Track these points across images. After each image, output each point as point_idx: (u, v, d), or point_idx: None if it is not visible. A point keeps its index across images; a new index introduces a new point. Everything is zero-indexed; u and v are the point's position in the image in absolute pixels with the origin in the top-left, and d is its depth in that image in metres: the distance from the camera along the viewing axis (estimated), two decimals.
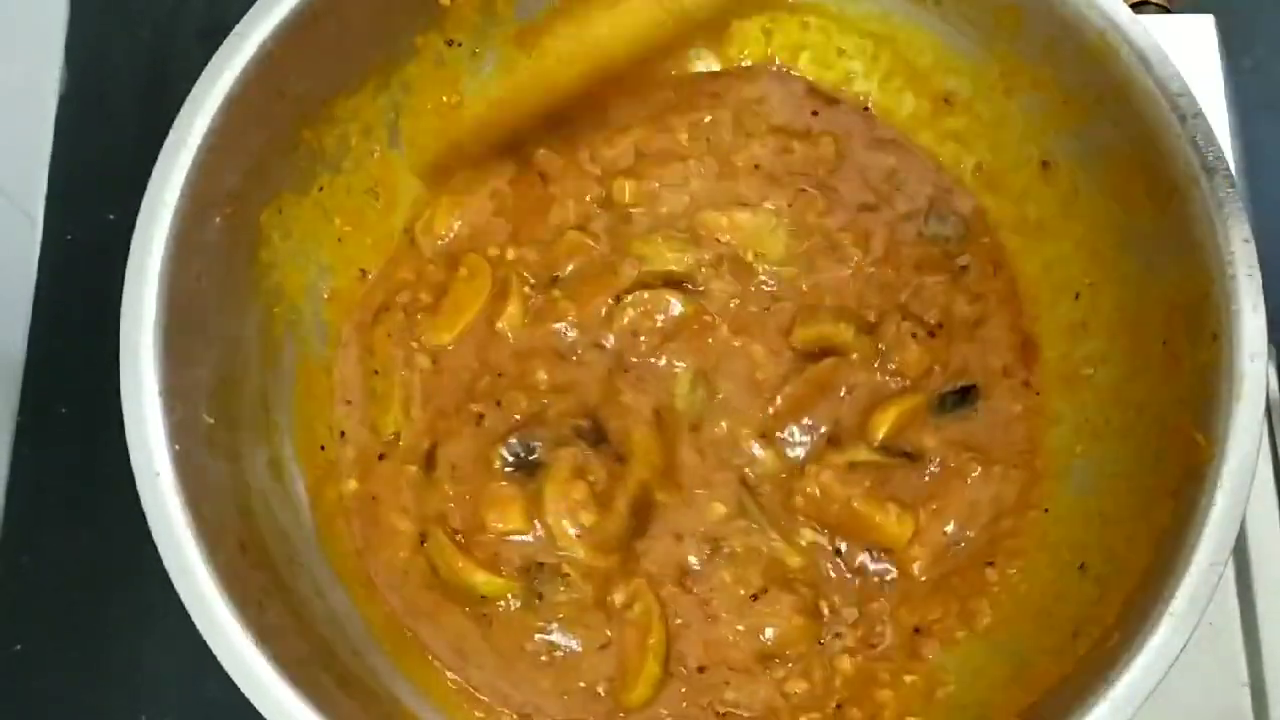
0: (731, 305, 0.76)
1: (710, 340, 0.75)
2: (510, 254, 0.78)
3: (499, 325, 0.76)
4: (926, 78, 0.78)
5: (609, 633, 0.70)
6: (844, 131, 0.80)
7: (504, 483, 0.72)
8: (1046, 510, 0.72)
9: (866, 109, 0.81)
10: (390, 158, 0.78)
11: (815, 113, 0.81)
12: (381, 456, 0.74)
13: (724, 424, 0.74)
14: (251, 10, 0.67)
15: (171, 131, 0.65)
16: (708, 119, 0.80)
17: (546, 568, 0.70)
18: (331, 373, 0.76)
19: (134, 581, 0.80)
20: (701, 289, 0.76)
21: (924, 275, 0.77)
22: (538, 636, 0.71)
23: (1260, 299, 0.62)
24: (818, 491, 0.71)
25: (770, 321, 0.76)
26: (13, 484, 0.83)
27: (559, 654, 0.70)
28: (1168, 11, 0.86)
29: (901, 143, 0.80)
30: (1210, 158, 0.64)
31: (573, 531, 0.70)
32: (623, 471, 0.72)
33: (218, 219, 0.67)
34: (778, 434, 0.73)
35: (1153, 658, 0.58)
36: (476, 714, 0.70)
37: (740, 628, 0.70)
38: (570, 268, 0.77)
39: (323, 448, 0.75)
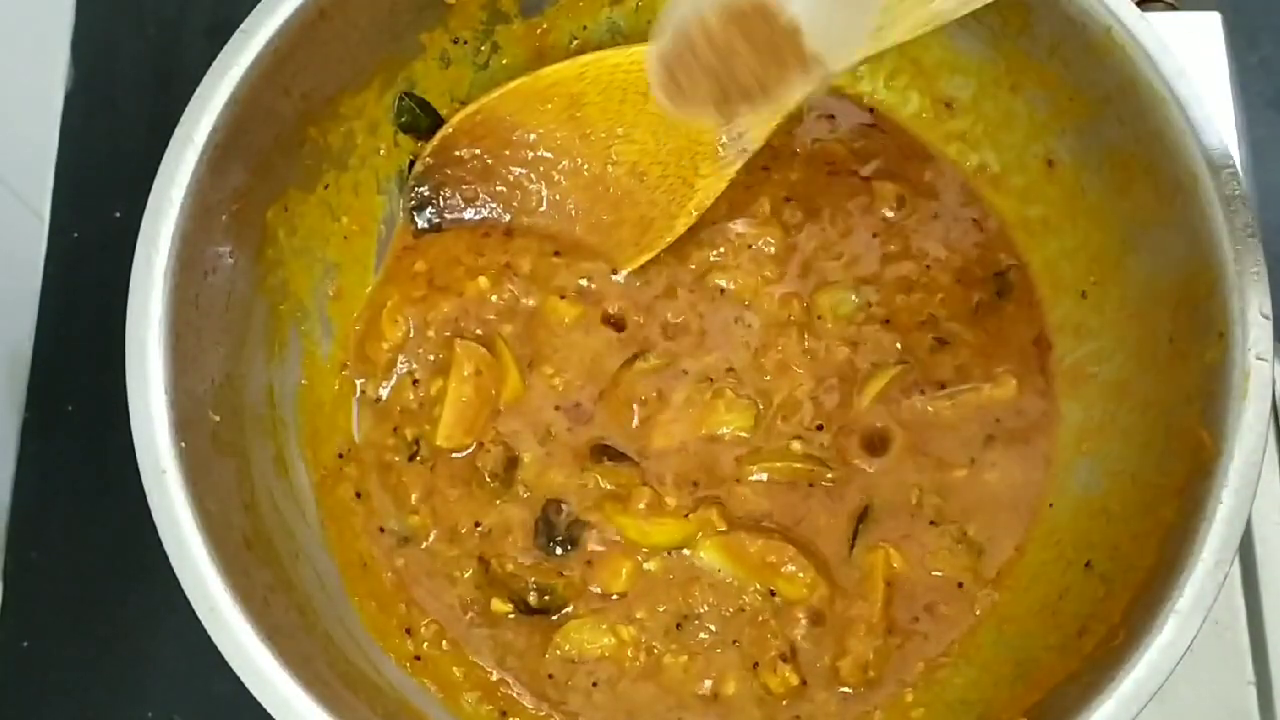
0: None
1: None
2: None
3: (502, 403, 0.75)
4: (932, 76, 0.78)
5: None
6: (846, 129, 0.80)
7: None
8: (1052, 506, 0.72)
9: (872, 110, 0.81)
10: (396, 156, 0.78)
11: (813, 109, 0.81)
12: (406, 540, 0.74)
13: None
14: (258, 8, 0.67)
15: (178, 129, 0.65)
16: None
17: None
18: (335, 378, 0.76)
19: (140, 578, 0.80)
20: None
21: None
22: None
23: (1267, 297, 0.62)
24: None
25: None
26: (19, 481, 0.83)
27: None
28: (1174, 8, 0.86)
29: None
30: (1217, 155, 0.64)
31: None
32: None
33: (224, 216, 0.67)
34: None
35: (1158, 656, 0.58)
36: (484, 708, 0.70)
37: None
38: None
39: (340, 456, 0.75)
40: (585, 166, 0.76)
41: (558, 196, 0.77)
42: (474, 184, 0.77)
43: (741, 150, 0.72)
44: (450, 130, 0.76)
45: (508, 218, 0.78)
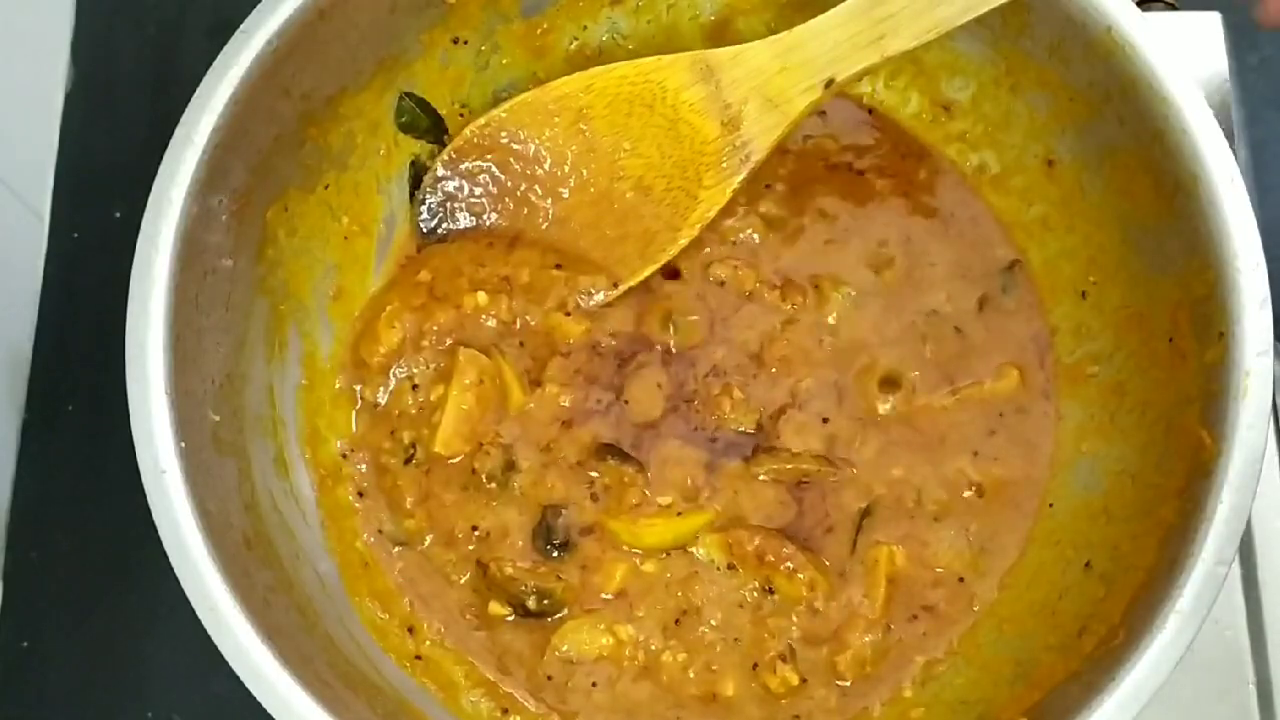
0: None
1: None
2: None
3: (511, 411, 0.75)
4: (932, 76, 0.78)
5: None
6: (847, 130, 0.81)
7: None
8: (1052, 506, 0.72)
9: (871, 111, 0.81)
10: (396, 156, 0.78)
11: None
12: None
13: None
14: (258, 8, 0.67)
15: (178, 129, 0.65)
16: None
17: None
18: (335, 380, 0.76)
19: (140, 578, 0.80)
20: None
21: None
22: None
23: (1267, 295, 0.62)
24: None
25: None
26: (19, 481, 0.83)
27: None
28: (1174, 8, 0.86)
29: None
30: (1216, 155, 0.64)
31: None
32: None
33: (224, 216, 0.67)
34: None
35: (1159, 656, 0.58)
36: (485, 704, 0.70)
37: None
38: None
39: (344, 456, 0.75)
40: (591, 181, 0.76)
41: (564, 212, 0.77)
42: (481, 198, 0.77)
43: (744, 160, 0.72)
44: (459, 144, 0.76)
45: (514, 232, 0.77)
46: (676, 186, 0.74)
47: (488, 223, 0.77)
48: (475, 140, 0.76)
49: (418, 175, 0.78)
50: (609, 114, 0.74)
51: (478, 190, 0.77)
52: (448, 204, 0.77)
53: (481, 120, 0.75)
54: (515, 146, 0.76)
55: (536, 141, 0.75)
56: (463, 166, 0.76)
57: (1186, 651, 0.58)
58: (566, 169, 0.76)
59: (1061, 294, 0.75)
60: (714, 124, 0.72)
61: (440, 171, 0.76)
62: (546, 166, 0.76)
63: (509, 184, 0.76)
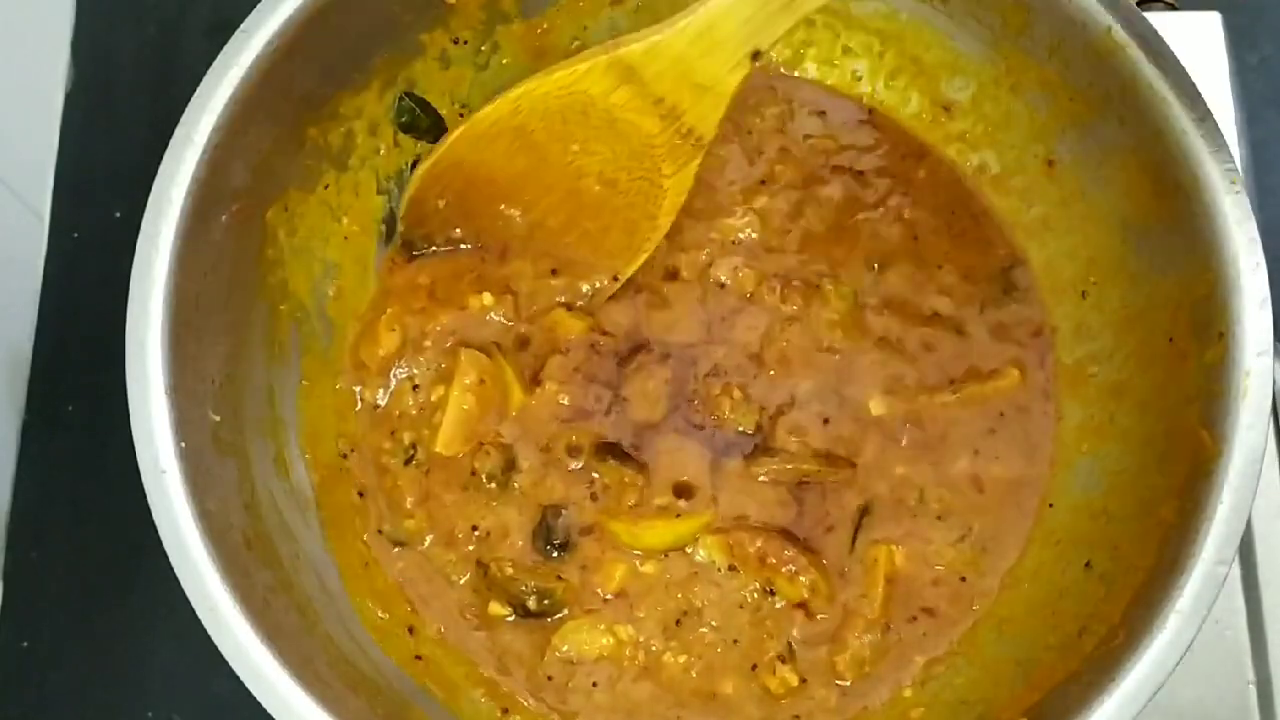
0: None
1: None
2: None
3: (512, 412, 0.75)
4: (932, 76, 0.78)
5: None
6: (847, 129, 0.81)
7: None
8: (1052, 506, 0.72)
9: (871, 110, 0.81)
10: (396, 156, 0.78)
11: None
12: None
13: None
14: (258, 8, 0.67)
15: (178, 129, 0.65)
16: None
17: None
18: (336, 379, 0.76)
19: (140, 578, 0.80)
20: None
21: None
22: None
23: (1267, 296, 0.62)
24: None
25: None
26: (19, 481, 0.83)
27: None
28: (1174, 8, 0.86)
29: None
30: (1217, 155, 0.64)
31: None
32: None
33: (224, 216, 0.67)
34: None
35: (1159, 655, 0.58)
36: (485, 703, 0.70)
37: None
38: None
39: (344, 456, 0.75)
40: (554, 185, 0.75)
41: (539, 216, 0.76)
42: (457, 225, 0.77)
43: (696, 143, 0.72)
44: (415, 190, 0.75)
45: (500, 245, 0.77)
46: (639, 177, 0.73)
47: (471, 247, 0.77)
48: (429, 183, 0.75)
49: None
50: (546, 125, 0.72)
51: (453, 220, 0.77)
52: (428, 240, 0.77)
53: (426, 164, 0.74)
54: (469, 176, 0.75)
55: (486, 167, 0.74)
56: (428, 208, 0.76)
57: (1186, 651, 0.58)
58: (527, 182, 0.75)
59: (1061, 294, 0.76)
60: (652, 119, 0.71)
61: (408, 220, 0.76)
62: (507, 184, 0.75)
63: (479, 208, 0.76)
